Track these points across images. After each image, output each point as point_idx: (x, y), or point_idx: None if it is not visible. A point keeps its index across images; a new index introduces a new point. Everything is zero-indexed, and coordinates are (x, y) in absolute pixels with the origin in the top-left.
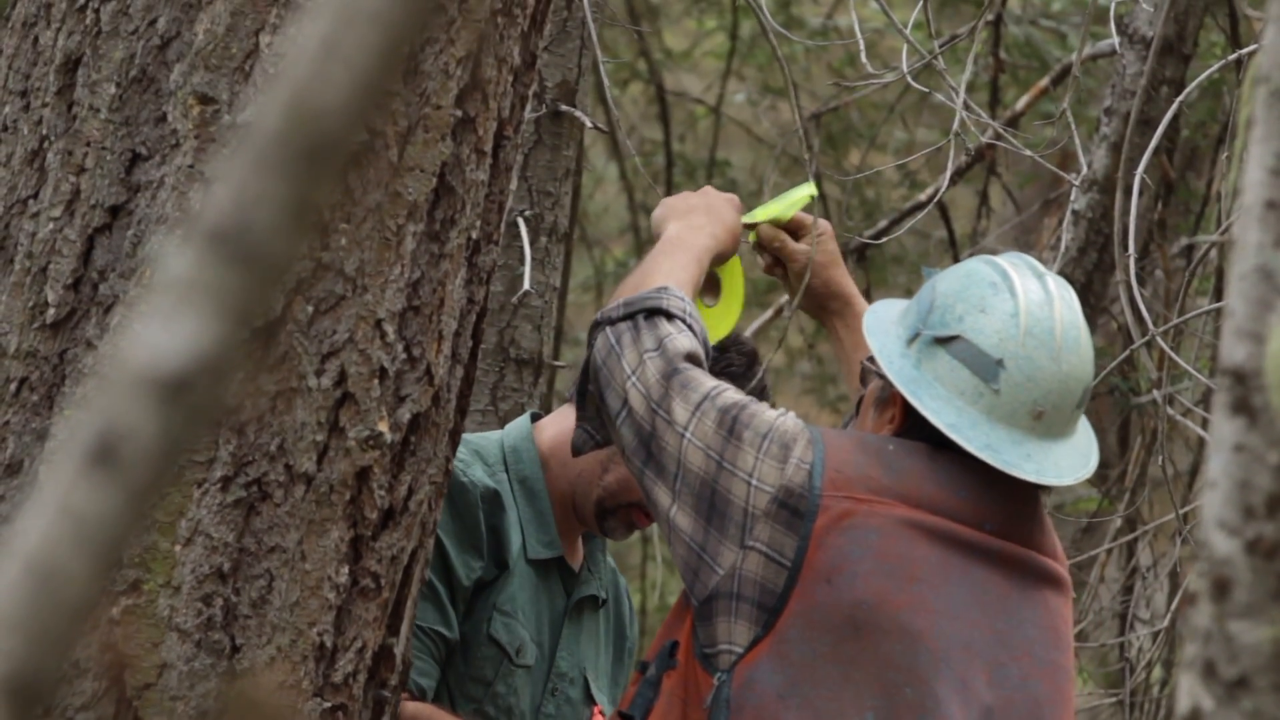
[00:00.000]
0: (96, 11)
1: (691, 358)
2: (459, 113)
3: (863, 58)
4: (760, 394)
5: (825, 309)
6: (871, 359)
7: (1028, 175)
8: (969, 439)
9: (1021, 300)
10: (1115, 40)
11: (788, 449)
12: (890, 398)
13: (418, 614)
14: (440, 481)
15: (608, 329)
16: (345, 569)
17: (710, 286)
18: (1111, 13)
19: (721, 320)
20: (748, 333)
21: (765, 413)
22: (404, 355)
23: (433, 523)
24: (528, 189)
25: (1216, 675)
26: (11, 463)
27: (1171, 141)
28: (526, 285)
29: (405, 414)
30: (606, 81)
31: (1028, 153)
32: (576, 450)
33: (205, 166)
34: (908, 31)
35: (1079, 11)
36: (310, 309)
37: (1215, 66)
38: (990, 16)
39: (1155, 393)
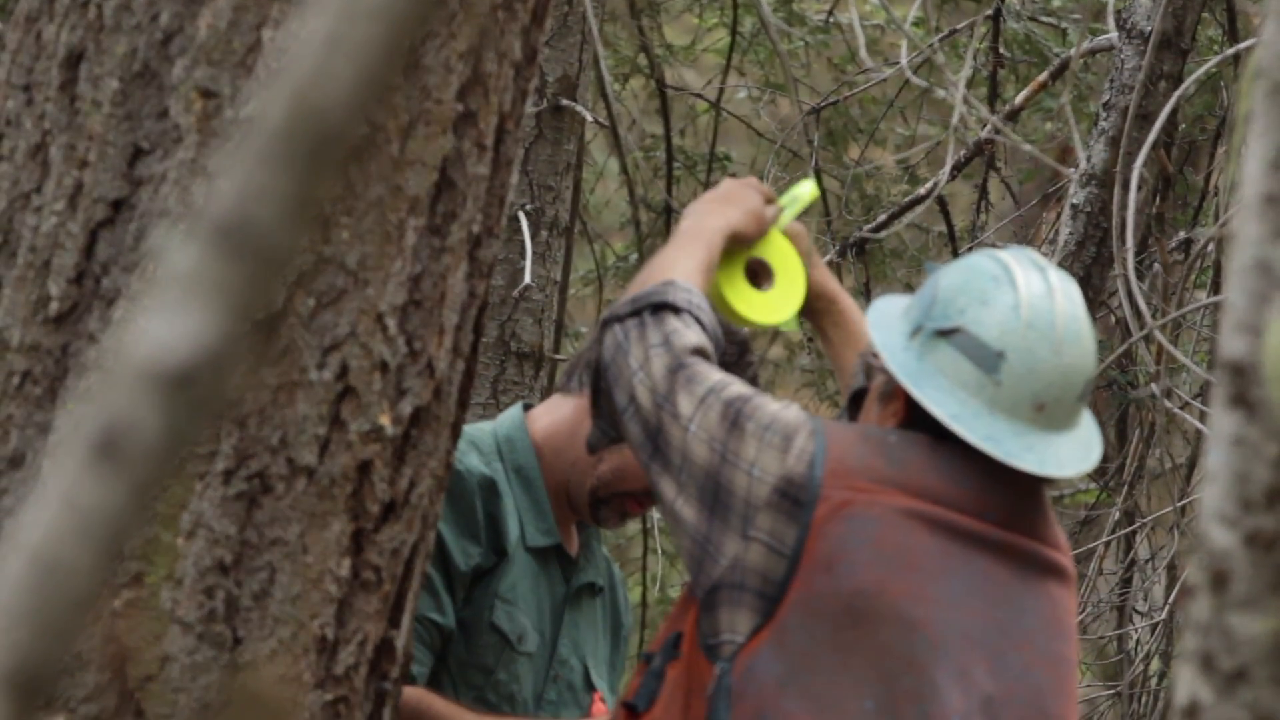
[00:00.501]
0: (99, 6)
1: (698, 351)
2: (460, 107)
3: (863, 53)
4: (751, 384)
5: (812, 308)
6: (874, 354)
7: (1027, 170)
8: (971, 430)
9: (1023, 293)
10: (1114, 35)
11: (789, 440)
12: (893, 392)
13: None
14: (441, 475)
15: (615, 326)
16: (347, 562)
17: (764, 273)
18: (1110, 8)
19: (784, 301)
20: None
21: (769, 405)
22: (405, 349)
23: (434, 516)
24: (529, 183)
25: (1215, 667)
26: (14, 456)
27: (1170, 136)
28: (527, 279)
29: (406, 407)
30: (607, 76)
31: (1027, 147)
32: (592, 448)
33: (208, 161)
34: (908, 27)
35: (1078, 6)
36: (312, 302)
37: (1213, 61)
38: (989, 11)
39: (1153, 386)
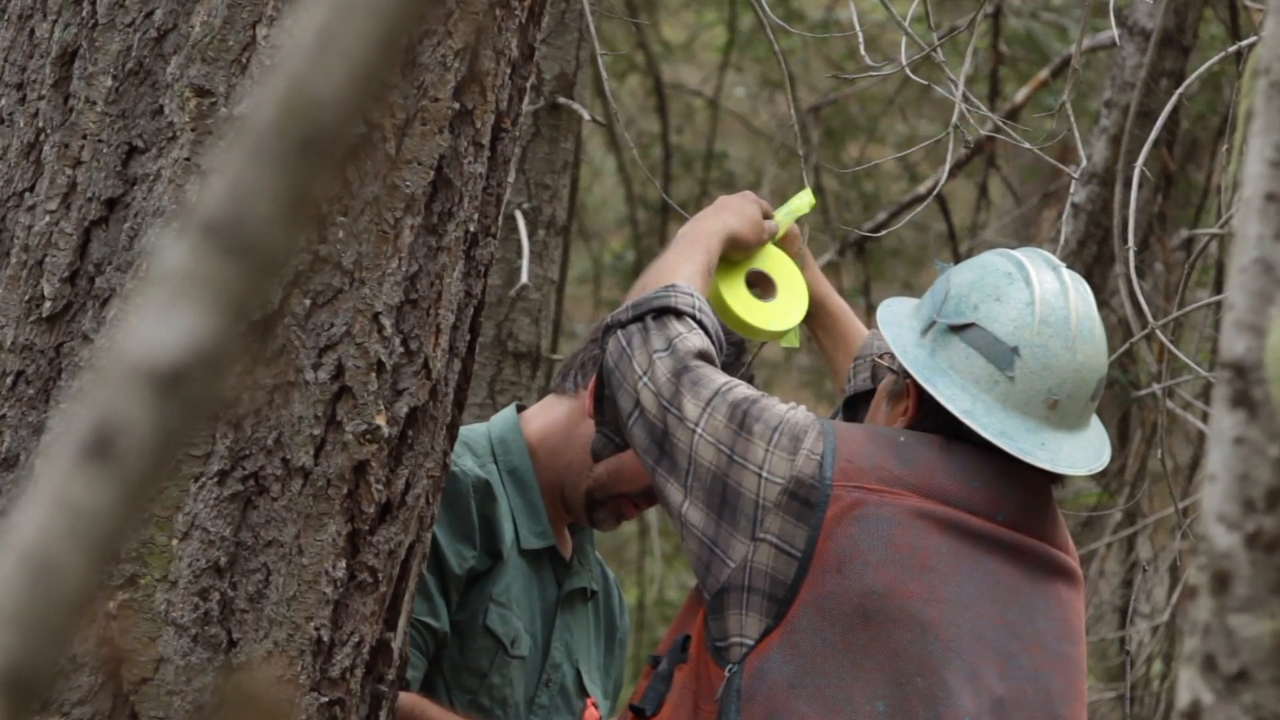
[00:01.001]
0: (93, 4)
1: (702, 355)
2: (457, 105)
3: (862, 50)
4: (748, 383)
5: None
6: (882, 355)
7: (1027, 168)
8: (984, 426)
9: (1037, 290)
10: (1115, 32)
11: (798, 441)
12: (904, 390)
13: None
14: (438, 475)
15: (618, 332)
16: (342, 563)
17: (766, 284)
18: (1111, 5)
19: (787, 311)
20: None
21: (776, 406)
22: (401, 349)
23: (430, 517)
24: (526, 182)
25: (1217, 669)
26: (7, 456)
27: (1171, 134)
28: (524, 278)
29: (403, 408)
30: (604, 74)
31: (1027, 145)
32: (597, 455)
33: (202, 159)
34: (907, 24)
35: (1079, 4)
36: (307, 302)
37: (1215, 59)
38: (990, 9)
39: (1155, 386)
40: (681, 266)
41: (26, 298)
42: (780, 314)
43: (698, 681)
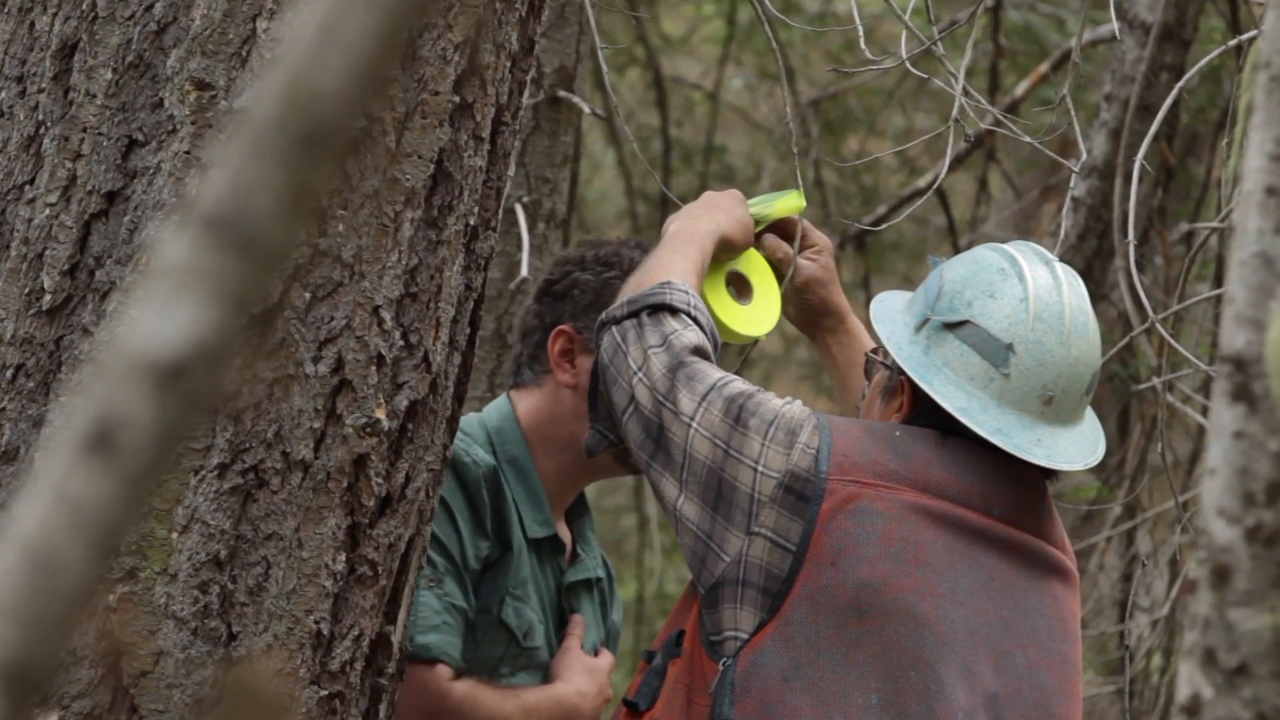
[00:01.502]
0: None
1: (698, 351)
2: (457, 99)
3: (861, 43)
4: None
5: (819, 325)
6: (876, 350)
7: (1027, 161)
8: (980, 423)
9: (1030, 286)
10: (1115, 26)
11: (794, 435)
12: (898, 386)
13: (449, 591)
14: (438, 469)
15: (613, 328)
16: (342, 556)
17: (743, 287)
18: None
19: (763, 316)
20: None
21: (771, 401)
22: (401, 342)
23: (430, 510)
24: (526, 175)
25: (1216, 663)
26: (8, 450)
27: (1171, 127)
28: (524, 272)
29: (403, 401)
30: (604, 67)
31: (1027, 139)
32: (590, 452)
33: (202, 152)
34: (907, 17)
35: None
36: (308, 295)
37: (1215, 52)
38: (989, 2)
39: (1155, 380)
40: (676, 264)
41: (26, 291)
42: (757, 318)
43: (691, 675)
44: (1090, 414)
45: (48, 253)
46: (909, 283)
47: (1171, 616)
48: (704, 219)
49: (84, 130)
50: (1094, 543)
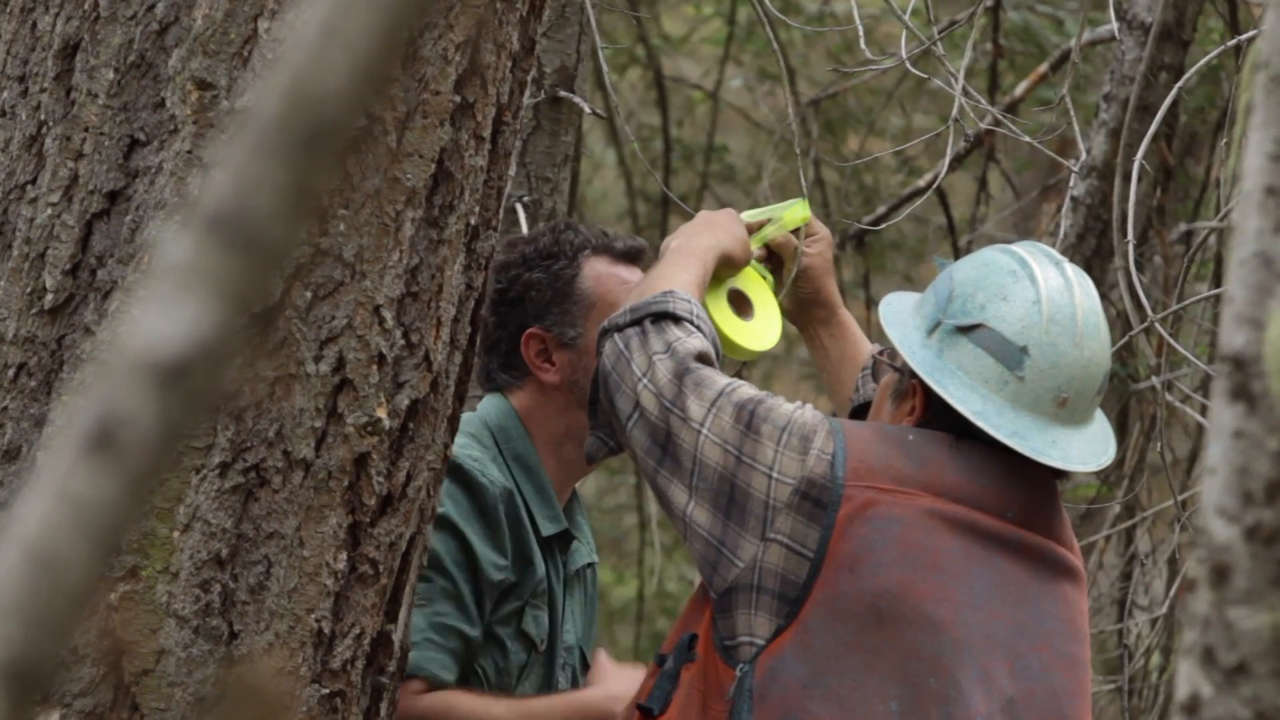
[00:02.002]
0: None
1: (702, 357)
2: (458, 98)
3: (861, 43)
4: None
5: (812, 316)
6: (883, 352)
7: (1026, 161)
8: (996, 427)
9: (1042, 287)
10: (1114, 26)
11: (808, 440)
12: (909, 389)
13: (439, 610)
14: (439, 468)
15: (615, 335)
16: (343, 555)
17: (743, 304)
18: None
19: (764, 331)
20: None
21: (783, 406)
22: (402, 341)
23: (431, 509)
24: (526, 175)
25: (1215, 662)
26: (10, 448)
27: (1170, 127)
28: None
29: (404, 400)
30: (605, 67)
31: (1026, 139)
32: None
33: (204, 152)
34: (906, 17)
35: None
36: (309, 295)
37: (1214, 52)
38: (989, 2)
39: (1154, 379)
40: (679, 276)
41: (28, 290)
42: (759, 333)
43: (705, 681)
44: (1100, 414)
45: (50, 252)
46: (909, 282)
47: (1171, 615)
48: (703, 236)
49: (86, 130)
50: (1094, 541)
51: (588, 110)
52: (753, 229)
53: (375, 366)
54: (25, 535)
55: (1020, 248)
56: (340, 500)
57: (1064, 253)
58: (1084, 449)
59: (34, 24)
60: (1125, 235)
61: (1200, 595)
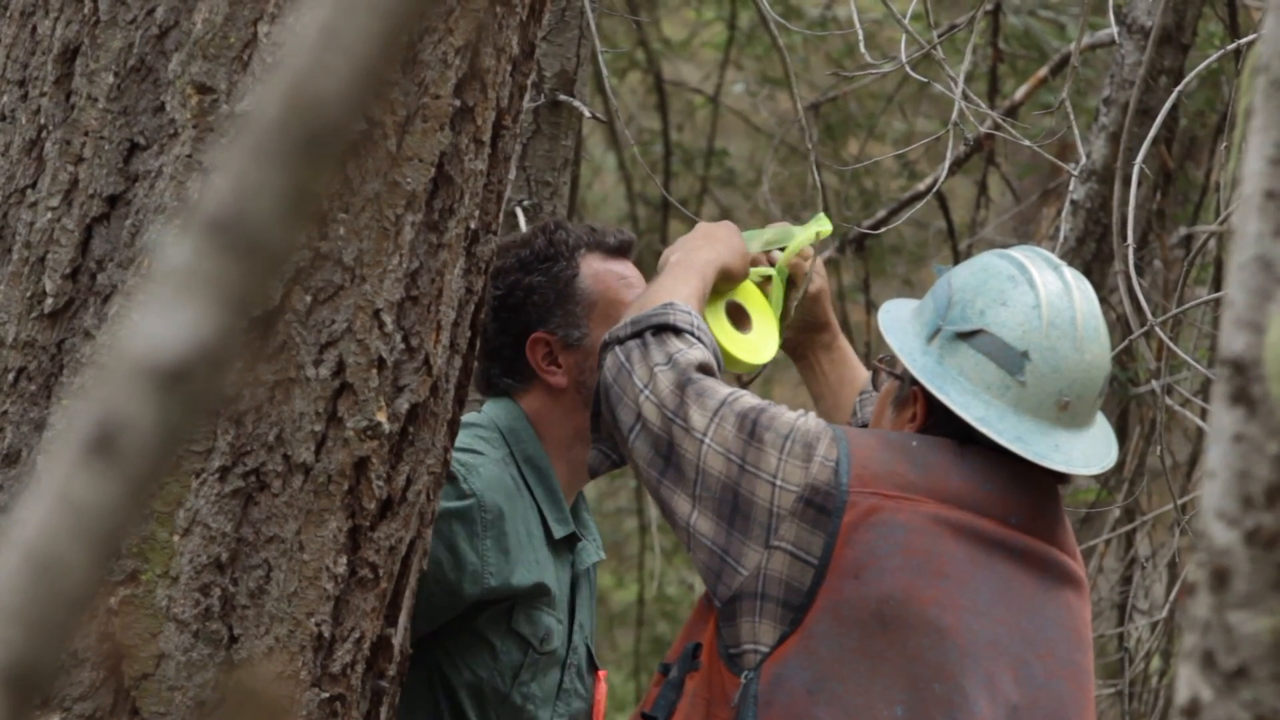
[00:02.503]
0: (95, 1)
1: (703, 368)
2: (457, 102)
3: (861, 48)
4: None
5: (815, 341)
6: (884, 359)
7: (1026, 165)
8: (999, 432)
9: (1042, 292)
10: (1114, 30)
11: (811, 448)
12: (910, 396)
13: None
14: (439, 472)
15: (616, 348)
16: (343, 559)
17: (741, 317)
18: (1110, 2)
19: (762, 344)
20: None
21: (785, 414)
22: (402, 345)
23: (431, 513)
24: (526, 179)
25: (1215, 665)
26: (9, 452)
27: (1170, 131)
28: None
29: (403, 404)
30: (605, 71)
31: (1026, 143)
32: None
33: (203, 156)
34: (906, 21)
35: (1077, 1)
36: (309, 299)
37: (1214, 56)
38: (989, 6)
39: (1154, 383)
40: (679, 288)
41: (28, 294)
42: (757, 346)
43: (710, 689)
44: (1101, 417)
45: (49, 256)
46: (909, 286)
47: (1171, 619)
48: (703, 250)
49: (86, 134)
50: (1094, 545)
51: (588, 114)
52: (759, 261)
53: (375, 370)
54: (25, 539)
55: (1019, 252)
56: (340, 504)
57: (1064, 257)
58: (1086, 452)
59: (34, 28)
60: (1125, 239)
61: (1200, 599)
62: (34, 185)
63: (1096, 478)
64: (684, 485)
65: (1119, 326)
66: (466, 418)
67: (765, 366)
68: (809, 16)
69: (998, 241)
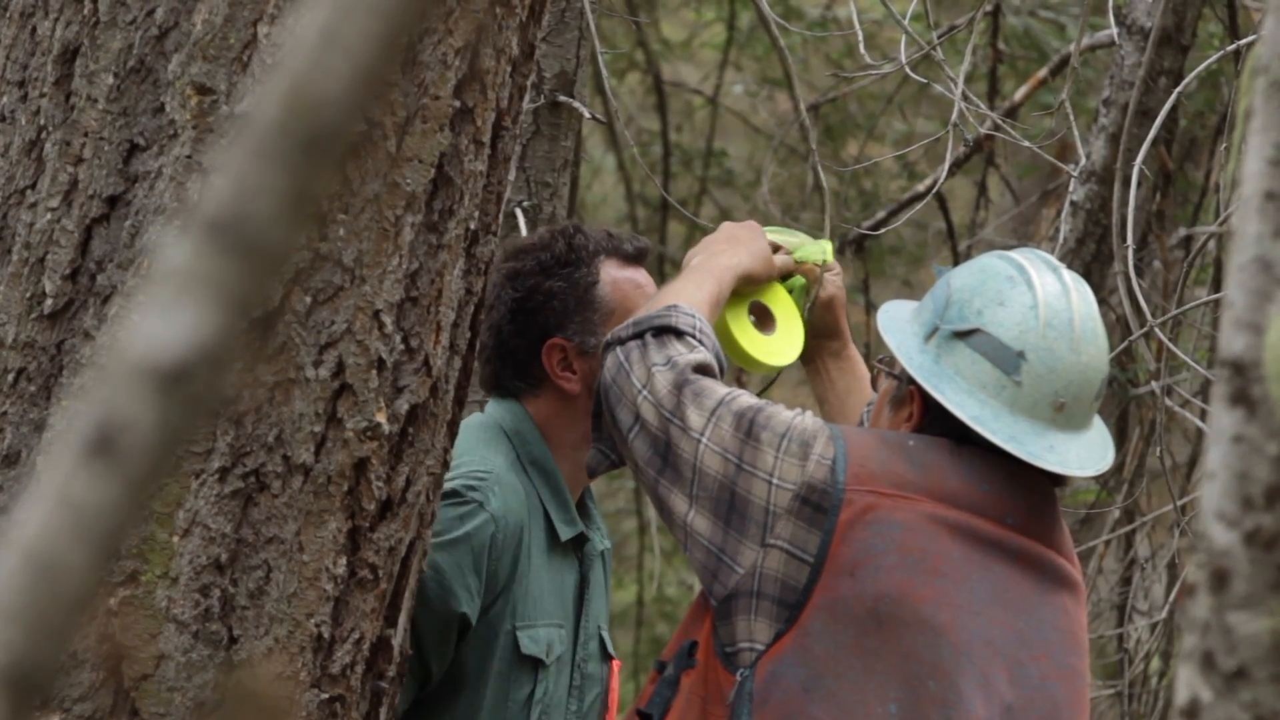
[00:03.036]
0: (94, 2)
1: (702, 369)
2: (457, 103)
3: (861, 49)
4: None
5: (825, 348)
6: (882, 359)
7: (1026, 166)
8: (993, 431)
9: (1039, 293)
10: (1114, 31)
11: (808, 446)
12: (907, 395)
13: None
14: (438, 473)
15: (617, 348)
16: (343, 560)
17: (765, 318)
18: (1110, 3)
19: (784, 347)
20: None
21: (782, 413)
22: (402, 346)
23: (430, 514)
24: (526, 179)
25: (1215, 666)
26: (9, 453)
27: (1170, 132)
28: None
29: (403, 405)
30: (604, 72)
31: (1026, 144)
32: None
33: (203, 157)
34: (906, 22)
35: (1077, 2)
36: (308, 299)
37: (1214, 57)
38: (989, 7)
39: (1154, 384)
40: (688, 291)
41: (28, 295)
42: (780, 348)
43: (706, 686)
44: (1098, 420)
45: (49, 257)
46: (908, 287)
47: (1170, 620)
48: (725, 254)
49: (85, 135)
50: (1093, 546)
51: (587, 115)
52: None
53: (375, 371)
54: (25, 540)
55: (1018, 254)
56: (340, 505)
57: (1063, 258)
58: (1082, 454)
59: (33, 29)
60: (1125, 240)
61: (1200, 600)
62: (34, 186)
63: (1096, 479)
64: (681, 485)
65: (1119, 327)
66: (468, 419)
67: (782, 370)
68: (809, 17)
69: (997, 242)
